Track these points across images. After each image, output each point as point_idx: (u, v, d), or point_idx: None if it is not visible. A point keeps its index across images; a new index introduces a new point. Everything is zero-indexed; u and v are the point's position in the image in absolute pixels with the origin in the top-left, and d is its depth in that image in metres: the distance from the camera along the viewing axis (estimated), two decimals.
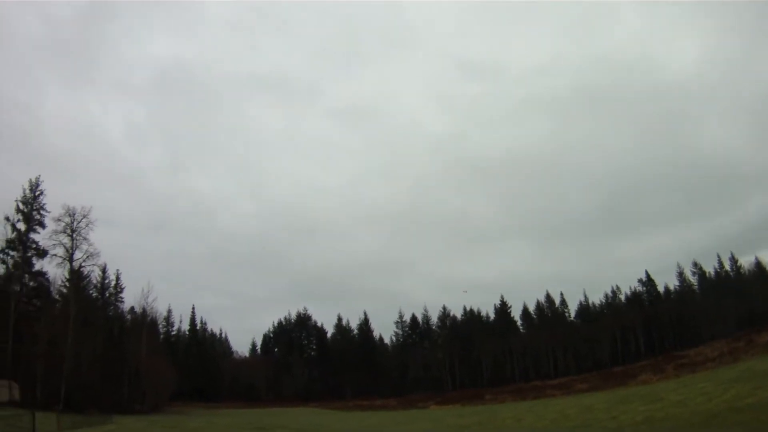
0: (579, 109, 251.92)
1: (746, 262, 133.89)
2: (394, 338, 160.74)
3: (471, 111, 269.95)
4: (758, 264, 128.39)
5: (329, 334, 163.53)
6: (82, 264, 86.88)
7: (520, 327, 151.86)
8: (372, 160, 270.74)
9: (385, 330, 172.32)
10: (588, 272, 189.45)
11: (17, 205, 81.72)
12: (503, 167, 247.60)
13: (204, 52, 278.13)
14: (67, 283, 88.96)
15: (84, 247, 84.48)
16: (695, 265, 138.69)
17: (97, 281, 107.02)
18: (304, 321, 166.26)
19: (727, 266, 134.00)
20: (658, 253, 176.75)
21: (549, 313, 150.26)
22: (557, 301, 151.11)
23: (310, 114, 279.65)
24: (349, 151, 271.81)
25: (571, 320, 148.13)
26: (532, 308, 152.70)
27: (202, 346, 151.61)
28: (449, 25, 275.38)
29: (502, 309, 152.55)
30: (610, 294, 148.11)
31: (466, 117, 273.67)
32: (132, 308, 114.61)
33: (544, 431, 33.31)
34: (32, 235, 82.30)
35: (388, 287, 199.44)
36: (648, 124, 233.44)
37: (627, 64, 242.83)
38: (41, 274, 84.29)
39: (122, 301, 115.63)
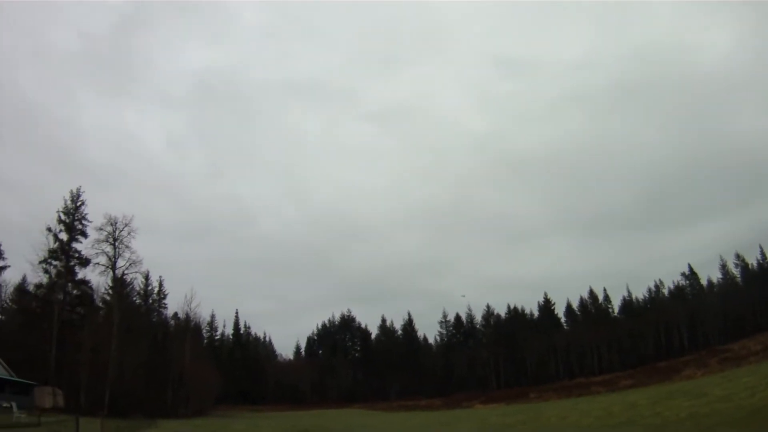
0: (616, 102, 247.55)
1: None
2: (438, 338, 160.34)
3: (509, 108, 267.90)
4: None
5: (373, 336, 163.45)
6: (125, 272, 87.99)
7: (564, 324, 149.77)
8: (412, 160, 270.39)
9: (429, 330, 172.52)
10: (630, 267, 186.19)
11: (59, 216, 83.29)
12: (543, 163, 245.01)
13: (240, 60, 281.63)
14: (110, 291, 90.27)
15: (126, 255, 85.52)
16: (738, 257, 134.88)
17: (140, 288, 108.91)
18: (348, 323, 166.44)
19: None
20: (700, 245, 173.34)
21: (592, 309, 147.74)
22: (600, 297, 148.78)
23: (349, 117, 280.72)
24: (388, 153, 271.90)
25: (615, 316, 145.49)
26: (575, 305, 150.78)
27: (245, 350, 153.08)
28: (484, 23, 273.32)
29: (546, 306, 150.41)
30: (653, 288, 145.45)
31: (504, 114, 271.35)
32: (175, 314, 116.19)
33: (588, 429, 32.45)
34: (75, 245, 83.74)
35: (431, 287, 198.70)
36: (685, 115, 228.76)
37: (662, 56, 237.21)
38: (84, 282, 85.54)
39: (165, 307, 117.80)
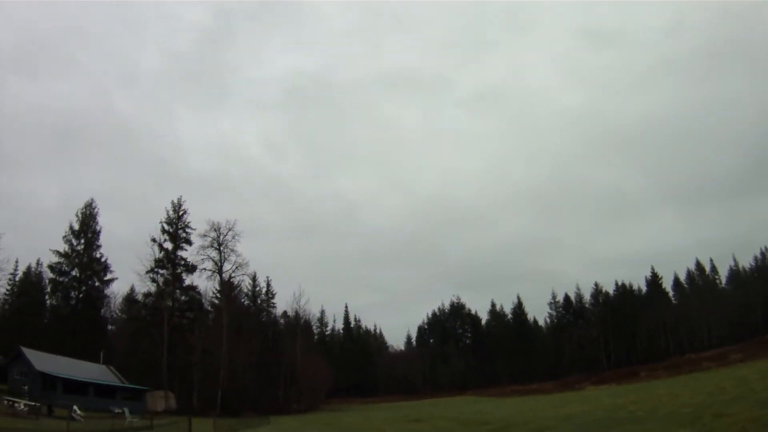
0: (709, 66, 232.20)
1: None
2: (548, 320, 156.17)
3: (602, 81, 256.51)
4: None
5: (483, 321, 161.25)
6: (232, 275, 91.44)
7: (672, 298, 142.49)
8: (510, 142, 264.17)
9: (539, 312, 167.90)
10: (737, 235, 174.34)
11: (162, 226, 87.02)
12: (640, 135, 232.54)
13: (329, 60, 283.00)
14: (218, 294, 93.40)
15: (232, 258, 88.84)
16: None
17: (248, 289, 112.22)
18: (457, 310, 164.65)
19: None
20: None
21: (700, 281, 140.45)
22: (707, 268, 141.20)
23: (444, 104, 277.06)
24: (486, 136, 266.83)
25: (722, 287, 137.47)
26: (683, 278, 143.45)
27: (356, 343, 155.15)
28: None
29: (654, 281, 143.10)
30: (759, 256, 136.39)
31: (597, 88, 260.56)
32: (285, 312, 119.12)
33: (700, 406, 30.38)
34: (180, 253, 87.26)
35: (539, 268, 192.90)
36: None
37: (752, 13, 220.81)
38: (192, 288, 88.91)
39: (274, 307, 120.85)
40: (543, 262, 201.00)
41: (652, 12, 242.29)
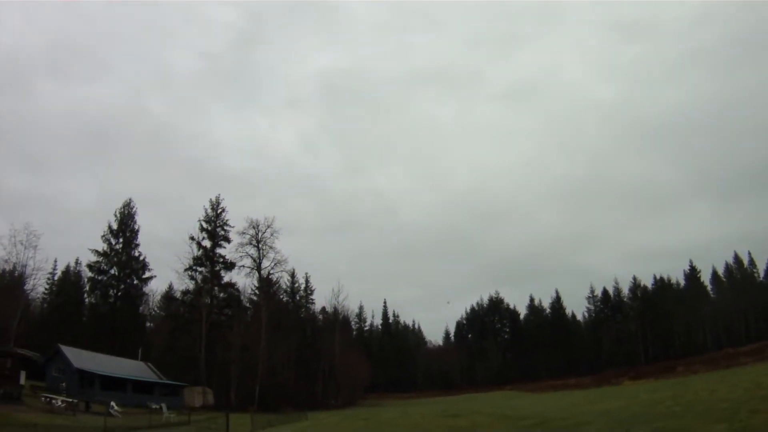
0: (739, 55, 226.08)
1: None
2: (586, 314, 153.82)
3: (634, 73, 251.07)
4: None
5: (522, 316, 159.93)
6: (271, 271, 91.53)
7: (711, 292, 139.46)
8: (544, 136, 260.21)
9: (577, 307, 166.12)
10: None
11: (201, 224, 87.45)
12: (674, 126, 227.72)
13: (362, 58, 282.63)
14: (257, 291, 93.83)
15: (271, 255, 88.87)
16: None
17: (287, 286, 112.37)
18: (496, 305, 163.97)
19: None
20: None
21: (738, 275, 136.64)
22: (746, 261, 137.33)
23: (478, 99, 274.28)
24: (520, 131, 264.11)
25: (761, 280, 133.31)
26: (721, 271, 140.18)
27: (395, 339, 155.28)
28: None
29: (692, 274, 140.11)
30: None
31: (630, 80, 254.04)
32: (323, 308, 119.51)
33: (737, 402, 29.44)
34: (218, 251, 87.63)
35: (576, 262, 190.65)
36: None
37: None
38: (231, 285, 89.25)
39: (313, 303, 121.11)
40: (580, 256, 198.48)
41: (680, 2, 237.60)
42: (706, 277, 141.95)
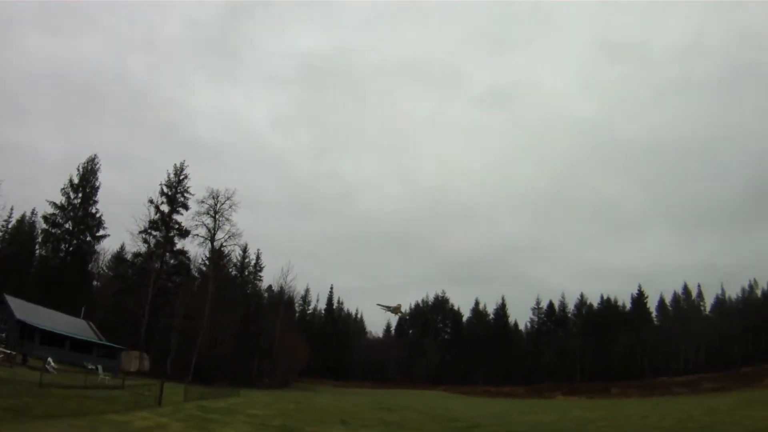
0: (723, 90, 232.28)
1: None
2: (529, 325, 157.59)
3: (615, 94, 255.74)
4: None
5: (465, 318, 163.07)
6: (224, 243, 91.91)
7: (655, 318, 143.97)
8: (517, 144, 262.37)
9: (521, 316, 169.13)
10: (728, 264, 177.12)
11: (162, 188, 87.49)
12: (648, 151, 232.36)
13: (346, 43, 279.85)
14: (207, 262, 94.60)
15: (226, 227, 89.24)
16: None
17: (238, 260, 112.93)
18: (441, 304, 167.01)
19: None
20: None
21: (685, 305, 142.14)
22: (694, 294, 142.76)
23: (455, 100, 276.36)
24: (494, 135, 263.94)
25: (706, 314, 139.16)
26: (668, 299, 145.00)
27: (336, 325, 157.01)
28: (593, 6, 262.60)
29: (639, 299, 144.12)
30: (746, 288, 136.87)
31: (610, 100, 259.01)
32: (270, 287, 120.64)
33: (667, 430, 32.31)
34: (176, 217, 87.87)
35: (529, 273, 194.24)
36: None
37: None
38: (182, 252, 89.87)
39: (261, 280, 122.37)
40: (535, 267, 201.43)
41: (672, 30, 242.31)
42: (653, 304, 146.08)
